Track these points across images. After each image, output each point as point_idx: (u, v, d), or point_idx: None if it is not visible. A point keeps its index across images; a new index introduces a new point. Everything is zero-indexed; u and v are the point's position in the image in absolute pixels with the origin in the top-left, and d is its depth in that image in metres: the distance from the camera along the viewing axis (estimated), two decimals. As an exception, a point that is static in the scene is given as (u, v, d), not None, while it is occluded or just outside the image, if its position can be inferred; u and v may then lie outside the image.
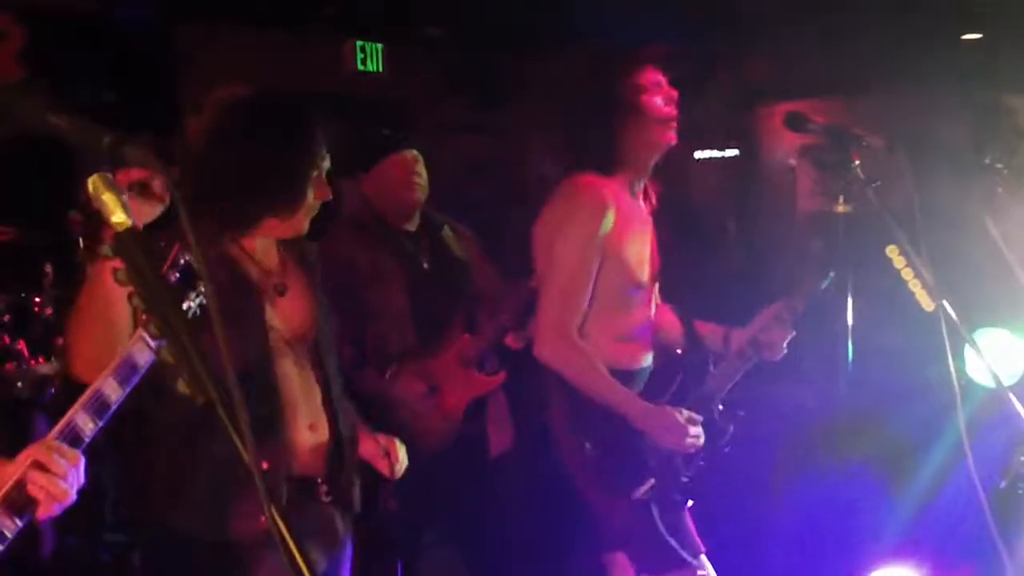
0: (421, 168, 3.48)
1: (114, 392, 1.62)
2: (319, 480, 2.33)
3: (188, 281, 1.68)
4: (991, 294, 3.17)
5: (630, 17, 4.97)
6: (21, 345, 3.83)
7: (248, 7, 5.31)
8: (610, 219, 2.85)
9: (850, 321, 2.63)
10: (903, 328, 3.16)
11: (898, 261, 2.46)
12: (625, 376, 2.91)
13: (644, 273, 2.97)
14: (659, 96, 2.92)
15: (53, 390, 3.79)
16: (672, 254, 3.12)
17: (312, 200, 2.31)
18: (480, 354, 3.39)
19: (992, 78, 5.07)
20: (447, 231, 3.58)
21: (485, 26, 5.67)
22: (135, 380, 1.64)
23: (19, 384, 3.79)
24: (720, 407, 2.98)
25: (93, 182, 1.32)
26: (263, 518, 2.10)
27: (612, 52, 3.03)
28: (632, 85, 2.90)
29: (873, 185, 2.53)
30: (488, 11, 5.51)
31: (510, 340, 3.36)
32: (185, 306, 1.68)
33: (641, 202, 3.02)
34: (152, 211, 1.79)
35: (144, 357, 1.64)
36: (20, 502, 1.55)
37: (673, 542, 2.90)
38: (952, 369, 2.30)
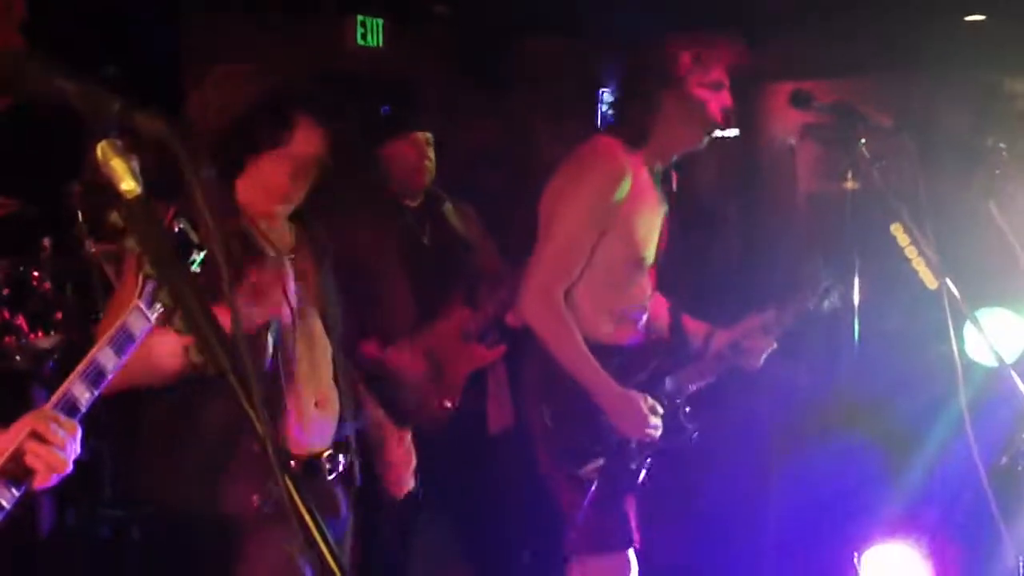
0: (432, 151, 3.49)
1: (110, 361, 1.61)
2: (324, 456, 2.35)
3: (185, 249, 1.67)
4: (991, 274, 3.17)
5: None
6: (20, 319, 3.81)
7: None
8: (625, 187, 2.82)
9: (856, 300, 2.63)
10: (906, 308, 3.17)
11: (902, 239, 2.46)
12: (605, 352, 2.87)
13: (648, 252, 2.94)
14: (713, 92, 2.87)
15: (52, 363, 3.78)
16: (671, 235, 3.10)
17: (299, 150, 2.26)
18: (480, 329, 3.40)
19: (995, 60, 5.05)
20: (448, 207, 3.58)
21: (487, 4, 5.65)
22: (131, 349, 1.63)
23: (18, 358, 3.77)
24: (687, 409, 2.96)
25: (102, 148, 1.30)
26: (254, 496, 2.13)
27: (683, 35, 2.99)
28: (691, 72, 2.85)
29: (878, 164, 2.53)
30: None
31: (510, 318, 3.36)
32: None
33: (658, 188, 2.97)
34: None
35: (140, 326, 1.63)
36: (17, 472, 1.54)
37: (609, 526, 2.88)
38: (955, 348, 2.30)
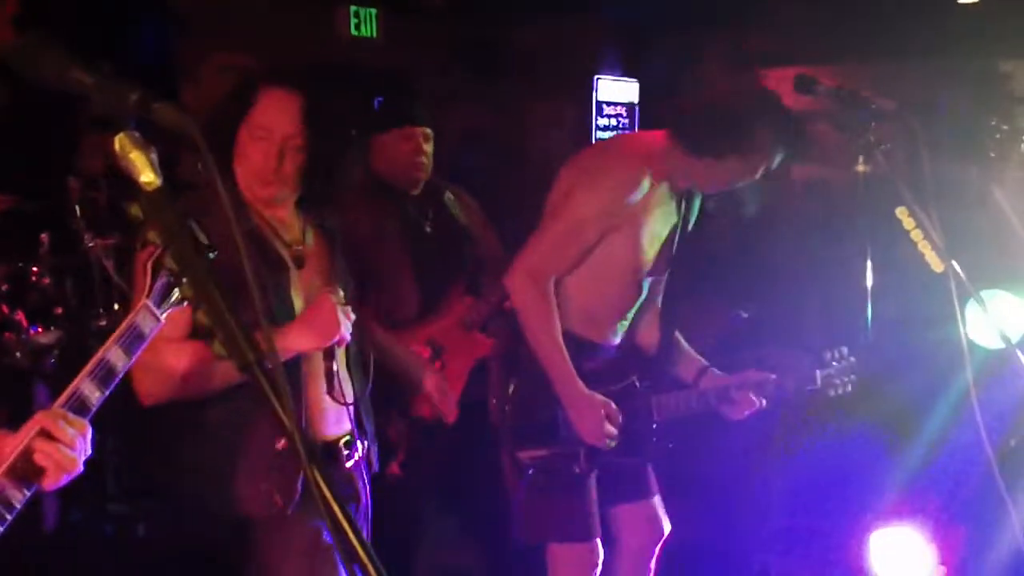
0: (430, 146, 3.45)
1: (120, 360, 1.60)
2: (341, 442, 2.34)
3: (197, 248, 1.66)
4: (991, 256, 3.18)
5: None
6: (19, 315, 3.80)
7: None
8: (643, 191, 2.76)
9: (869, 284, 2.63)
10: (913, 292, 3.17)
11: (908, 223, 2.46)
12: (586, 347, 2.85)
13: (647, 261, 2.86)
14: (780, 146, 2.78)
15: (53, 360, 3.77)
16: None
17: (261, 119, 2.24)
18: (483, 318, 3.39)
19: (990, 43, 5.06)
20: (449, 196, 3.56)
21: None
22: (141, 348, 1.62)
23: (18, 354, 3.77)
24: (655, 435, 2.89)
25: (120, 141, 1.29)
26: (276, 497, 2.12)
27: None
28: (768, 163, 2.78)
29: (882, 148, 2.52)
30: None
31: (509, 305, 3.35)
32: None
33: (674, 200, 2.88)
34: None
35: (149, 325, 1.62)
36: (27, 471, 1.52)
37: (556, 517, 2.84)
38: (962, 330, 2.30)
